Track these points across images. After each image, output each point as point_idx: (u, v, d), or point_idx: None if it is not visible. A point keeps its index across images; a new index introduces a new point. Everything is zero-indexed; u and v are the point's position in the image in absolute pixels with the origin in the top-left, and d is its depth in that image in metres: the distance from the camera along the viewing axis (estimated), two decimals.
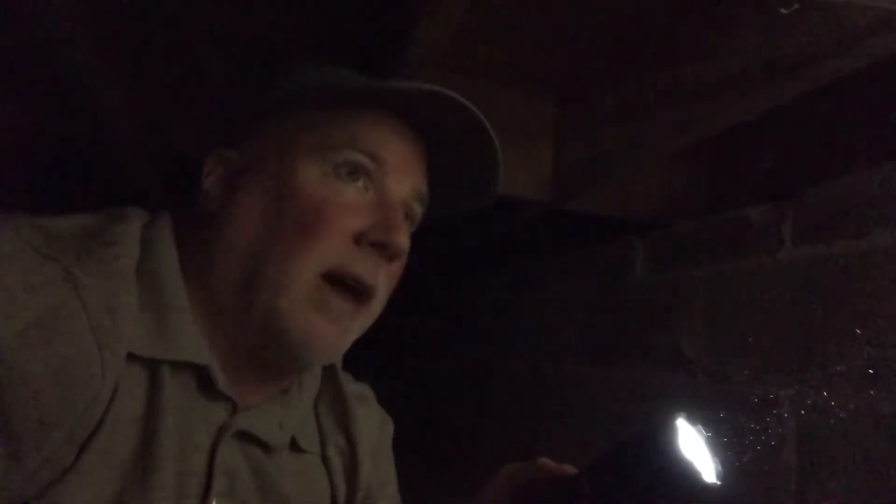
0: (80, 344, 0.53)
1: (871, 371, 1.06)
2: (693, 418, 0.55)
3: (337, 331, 0.65)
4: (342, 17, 0.62)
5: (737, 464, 1.23)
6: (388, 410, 0.91)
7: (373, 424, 0.85)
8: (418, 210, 0.72)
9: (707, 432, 0.54)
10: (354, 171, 0.66)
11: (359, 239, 0.65)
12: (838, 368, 1.11)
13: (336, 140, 0.66)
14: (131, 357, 0.58)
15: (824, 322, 1.14)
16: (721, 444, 0.54)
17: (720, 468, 0.53)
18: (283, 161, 0.67)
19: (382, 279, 0.67)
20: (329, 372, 0.81)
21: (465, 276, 2.94)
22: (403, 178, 0.69)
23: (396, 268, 0.70)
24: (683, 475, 0.51)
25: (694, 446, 0.53)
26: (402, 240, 0.66)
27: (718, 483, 0.52)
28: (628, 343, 1.71)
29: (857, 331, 1.09)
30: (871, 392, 1.05)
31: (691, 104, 1.10)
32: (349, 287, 0.65)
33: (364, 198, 0.66)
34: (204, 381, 0.64)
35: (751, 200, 1.36)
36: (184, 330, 0.62)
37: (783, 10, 0.87)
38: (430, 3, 0.81)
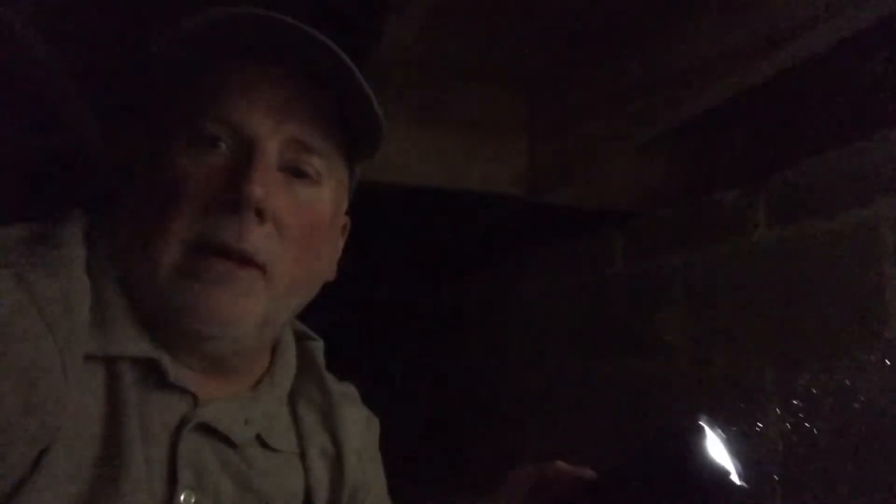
0: (39, 347, 0.53)
1: (847, 348, 1.07)
2: (678, 406, 0.54)
3: (226, 294, 0.61)
4: (308, 15, 0.62)
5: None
6: (373, 410, 0.91)
7: (359, 424, 0.84)
8: (306, 160, 0.66)
9: (726, 433, 0.53)
10: (212, 138, 0.63)
11: (214, 202, 0.61)
12: (816, 348, 1.13)
13: (191, 109, 0.64)
14: (88, 357, 0.58)
15: (800, 303, 1.16)
16: (739, 443, 0.53)
17: (741, 469, 0.52)
18: (154, 140, 0.65)
19: (265, 244, 0.62)
20: (313, 371, 0.81)
21: (446, 274, 2.94)
22: (269, 130, 0.63)
23: (296, 228, 0.64)
24: (712, 478, 0.50)
25: (716, 448, 0.52)
26: (256, 189, 0.59)
27: (746, 484, 0.51)
28: (612, 334, 1.72)
29: (834, 308, 1.10)
30: (853, 370, 1.06)
31: (661, 93, 1.11)
32: (221, 254, 0.61)
33: (226, 161, 0.62)
34: (159, 375, 0.62)
35: (724, 185, 1.38)
36: (127, 326, 0.61)
37: None
38: (393, 7, 0.81)
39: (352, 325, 3.23)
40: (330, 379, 0.82)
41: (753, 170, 1.31)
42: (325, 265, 0.73)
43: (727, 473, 0.51)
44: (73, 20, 1.02)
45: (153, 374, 0.63)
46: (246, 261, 0.61)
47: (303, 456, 0.75)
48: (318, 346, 0.83)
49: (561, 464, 0.64)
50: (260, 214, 0.61)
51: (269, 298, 0.64)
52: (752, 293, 1.27)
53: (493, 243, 2.26)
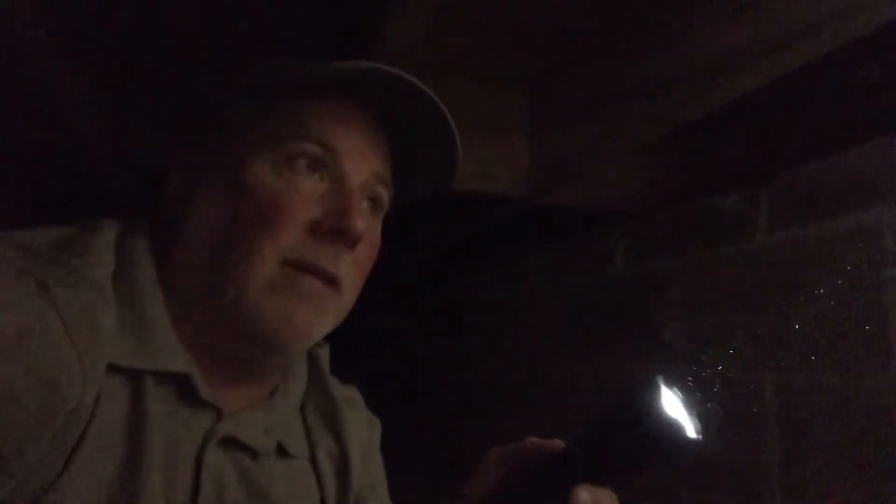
0: (59, 355, 0.53)
1: (847, 351, 1.07)
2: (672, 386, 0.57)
3: (310, 309, 0.64)
4: (311, 16, 0.62)
5: (720, 445, 1.24)
6: (374, 410, 0.91)
7: (362, 427, 0.85)
8: (383, 193, 0.71)
9: (682, 392, 0.56)
10: (310, 162, 0.65)
11: (315, 228, 0.64)
12: (816, 350, 1.12)
13: (286, 132, 0.65)
14: (113, 368, 0.58)
15: (801, 305, 1.16)
16: (698, 402, 0.56)
17: (699, 424, 0.55)
18: (236, 159, 0.66)
19: (346, 268, 0.66)
20: (317, 376, 0.81)
21: (447, 275, 2.94)
22: (359, 163, 0.67)
23: (364, 255, 0.69)
24: (667, 431, 0.53)
25: (673, 405, 0.55)
26: (359, 224, 0.64)
27: (700, 437, 0.54)
28: (611, 335, 1.72)
29: (834, 312, 1.10)
30: (851, 372, 1.06)
31: (663, 94, 1.10)
32: (314, 273, 0.64)
33: (319, 187, 0.66)
34: (186, 389, 0.63)
35: (726, 188, 1.37)
36: (162, 339, 0.62)
37: None
38: (395, 7, 0.81)
39: (351, 326, 3.22)
40: (334, 382, 0.83)
41: (755, 173, 1.31)
42: None
43: (682, 426, 0.54)
44: (80, 15, 1.02)
45: (181, 389, 0.63)
46: (333, 284, 0.65)
47: (313, 461, 0.76)
48: (324, 351, 0.84)
49: (533, 439, 0.67)
50: (352, 246, 0.65)
51: (335, 318, 0.68)
52: (751, 296, 1.27)
53: (493, 244, 2.25)
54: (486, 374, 2.49)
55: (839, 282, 1.10)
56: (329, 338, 0.84)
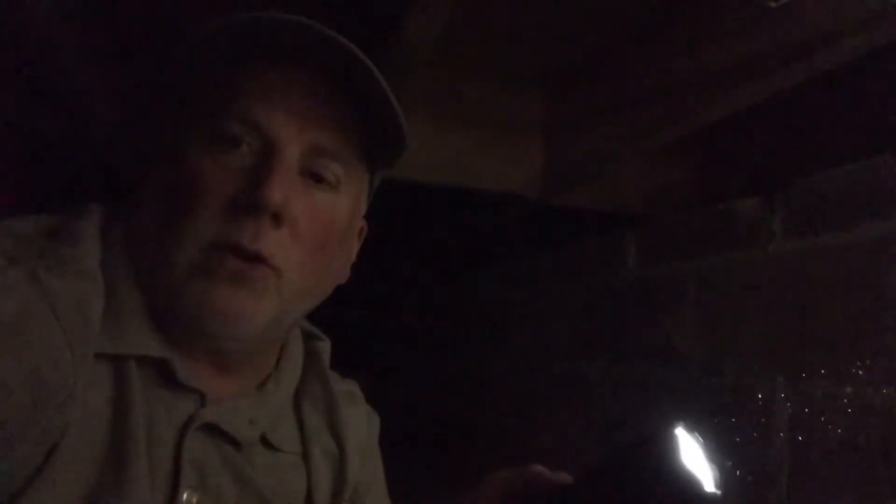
0: (49, 345, 0.53)
1: (861, 361, 1.06)
2: (687, 412, 0.54)
3: (238, 294, 0.61)
4: (326, 15, 0.61)
5: (728, 453, 1.23)
6: (379, 409, 0.90)
7: (361, 423, 0.84)
8: (327, 165, 0.66)
9: (704, 439, 0.53)
10: (231, 137, 0.63)
11: (233, 204, 0.61)
12: (830, 359, 1.12)
13: (212, 107, 0.64)
14: (98, 355, 0.58)
15: (815, 314, 1.15)
16: (720, 448, 0.53)
17: (719, 476, 0.52)
18: (174, 137, 0.65)
19: (277, 245, 0.62)
20: (316, 371, 0.81)
21: (458, 274, 2.94)
22: (290, 134, 0.63)
23: (306, 231, 0.64)
24: (682, 485, 0.51)
25: (692, 454, 0.52)
26: (273, 194, 0.60)
27: (718, 492, 0.52)
28: (621, 338, 1.71)
29: (847, 321, 1.09)
30: (863, 382, 1.06)
31: (680, 98, 1.10)
32: (234, 254, 0.61)
33: (246, 162, 0.62)
34: (166, 373, 0.63)
35: (741, 193, 1.36)
36: (136, 324, 0.61)
37: (772, 4, 0.87)
38: (416, 1, 0.80)
39: (361, 322, 3.23)
40: (333, 378, 0.82)
41: (771, 178, 1.30)
42: (339, 269, 0.73)
43: (699, 481, 0.51)
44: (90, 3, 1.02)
45: (162, 374, 0.63)
46: (259, 261, 0.61)
47: (306, 457, 0.75)
48: (325, 346, 0.83)
49: (538, 467, 0.65)
50: (276, 219, 0.61)
51: (281, 300, 0.64)
52: (765, 303, 1.26)
53: (506, 243, 2.25)
54: (495, 373, 2.49)
55: (854, 291, 1.09)
56: (331, 331, 0.84)
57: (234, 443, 0.67)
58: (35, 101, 1.16)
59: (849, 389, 1.07)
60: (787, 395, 1.18)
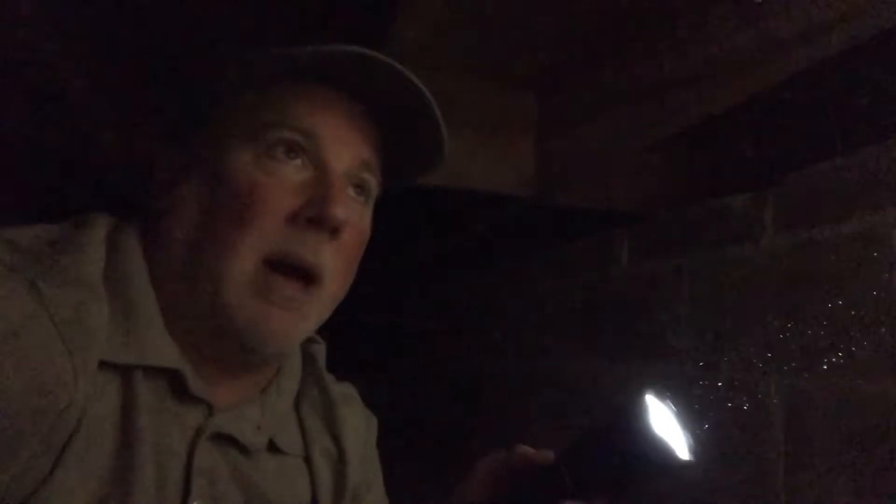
0: (50, 353, 0.53)
1: (855, 354, 1.07)
2: (674, 400, 0.55)
3: (288, 317, 0.63)
4: (317, 14, 0.62)
5: (725, 447, 1.24)
6: (377, 410, 0.91)
7: (359, 425, 0.84)
8: (370, 180, 0.69)
9: (676, 406, 0.55)
10: (290, 150, 0.64)
11: (295, 218, 0.62)
12: (823, 352, 1.12)
13: (267, 119, 0.64)
14: (104, 365, 0.58)
15: (808, 307, 1.15)
16: (695, 417, 0.55)
17: (692, 442, 0.54)
18: (218, 151, 0.65)
19: (329, 257, 0.64)
20: (313, 373, 0.81)
21: (453, 274, 2.94)
22: (342, 149, 0.66)
23: (349, 243, 0.67)
24: (655, 452, 0.52)
25: (664, 421, 0.54)
26: (339, 211, 0.62)
27: (691, 457, 0.53)
28: (616, 335, 1.72)
29: (841, 314, 1.10)
30: (857, 375, 1.06)
31: (670, 95, 1.10)
32: (293, 270, 0.63)
33: (300, 176, 0.64)
34: (176, 384, 0.63)
35: (732, 189, 1.37)
36: (153, 334, 0.61)
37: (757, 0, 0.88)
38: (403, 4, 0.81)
39: (355, 324, 3.23)
40: (330, 380, 0.82)
41: (762, 174, 1.31)
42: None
43: (671, 447, 0.52)
44: (89, 15, 1.02)
45: (172, 384, 0.63)
46: (315, 277, 0.63)
47: (307, 459, 0.75)
48: (320, 348, 0.83)
49: (522, 447, 0.66)
50: (335, 234, 0.64)
51: (318, 317, 0.67)
52: (758, 298, 1.26)
53: (499, 243, 2.25)
54: (491, 372, 2.49)
55: (846, 284, 1.09)
56: (332, 335, 0.84)
57: (243, 449, 0.68)
58: (32, 112, 1.16)
59: (843, 382, 1.08)
60: (781, 389, 1.19)
